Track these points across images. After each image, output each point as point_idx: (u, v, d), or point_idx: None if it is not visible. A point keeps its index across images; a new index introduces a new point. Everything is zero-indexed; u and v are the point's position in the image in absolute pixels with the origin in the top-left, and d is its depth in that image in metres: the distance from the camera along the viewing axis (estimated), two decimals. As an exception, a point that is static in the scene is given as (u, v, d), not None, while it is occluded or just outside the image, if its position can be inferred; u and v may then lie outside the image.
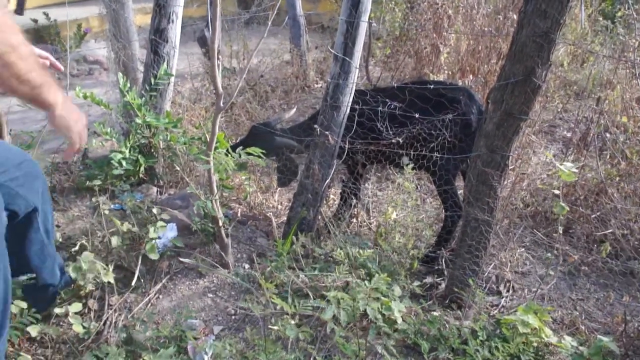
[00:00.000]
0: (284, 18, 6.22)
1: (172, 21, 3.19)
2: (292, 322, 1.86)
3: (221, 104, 2.18)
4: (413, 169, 2.72)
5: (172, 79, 3.46)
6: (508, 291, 2.72)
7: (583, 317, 2.56)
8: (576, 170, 2.11)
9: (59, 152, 3.48)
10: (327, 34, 7.21)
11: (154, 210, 2.69)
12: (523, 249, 3.06)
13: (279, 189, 3.45)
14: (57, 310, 2.11)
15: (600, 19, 5.65)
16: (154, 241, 2.51)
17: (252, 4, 7.00)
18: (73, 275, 2.17)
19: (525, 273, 2.90)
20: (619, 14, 5.29)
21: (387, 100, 2.71)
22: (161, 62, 3.34)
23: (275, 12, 2.29)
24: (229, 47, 5.63)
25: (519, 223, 3.21)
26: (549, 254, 2.80)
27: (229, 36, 5.73)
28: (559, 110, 4.69)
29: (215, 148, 2.39)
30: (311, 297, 2.18)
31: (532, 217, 3.30)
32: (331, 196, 3.51)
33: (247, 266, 2.69)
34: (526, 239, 3.16)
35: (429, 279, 2.69)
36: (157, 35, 3.28)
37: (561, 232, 2.20)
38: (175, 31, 3.34)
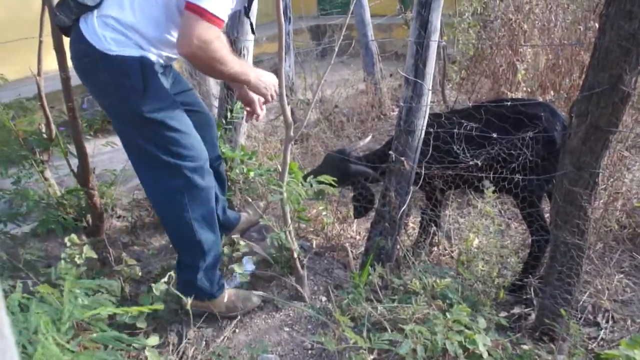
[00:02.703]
0: (357, 48, 6.21)
1: (244, 55, 3.24)
2: (370, 357, 1.77)
3: (291, 134, 2.16)
4: (494, 192, 2.58)
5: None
6: (607, 322, 2.49)
7: (699, 351, 2.29)
8: (678, 186, 1.91)
9: (140, 189, 3.58)
10: (401, 61, 7.13)
11: (240, 241, 2.71)
12: (622, 275, 2.80)
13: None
14: (135, 344, 2.13)
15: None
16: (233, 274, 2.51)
17: (324, 36, 7.07)
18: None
19: (626, 302, 2.64)
20: None
21: (462, 121, 2.60)
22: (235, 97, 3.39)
23: (341, 41, 2.25)
24: (303, 80, 5.68)
25: (616, 246, 2.96)
26: (653, 280, 2.55)
27: (302, 69, 5.78)
28: (655, 123, 4.35)
29: (292, 178, 2.37)
30: (389, 330, 2.07)
31: (631, 240, 3.03)
32: (410, 224, 3.40)
33: (324, 299, 2.62)
34: (625, 264, 2.90)
35: (516, 310, 2.51)
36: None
37: (665, 255, 2.00)
38: (247, 65, 3.37)
